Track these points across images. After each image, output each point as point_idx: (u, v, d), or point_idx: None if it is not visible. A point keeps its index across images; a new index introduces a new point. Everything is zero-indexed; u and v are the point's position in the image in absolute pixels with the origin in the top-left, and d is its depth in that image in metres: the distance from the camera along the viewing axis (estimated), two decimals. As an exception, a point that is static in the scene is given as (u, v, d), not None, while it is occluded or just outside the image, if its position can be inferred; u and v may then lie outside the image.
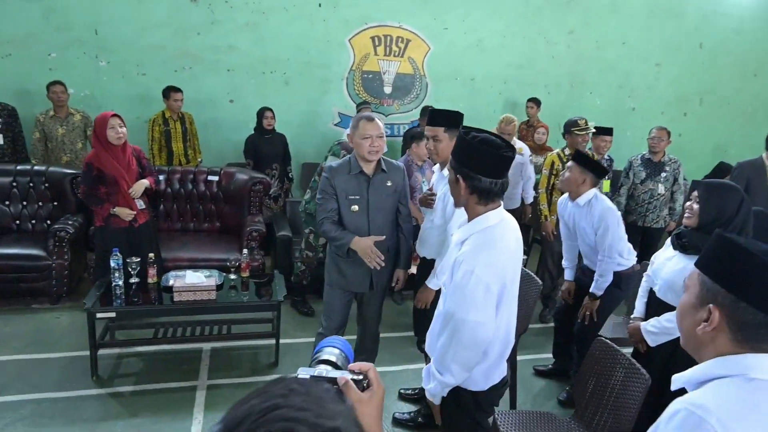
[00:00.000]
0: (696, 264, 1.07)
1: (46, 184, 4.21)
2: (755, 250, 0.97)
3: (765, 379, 0.95)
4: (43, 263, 3.82)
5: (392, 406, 3.01)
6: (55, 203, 4.22)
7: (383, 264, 2.53)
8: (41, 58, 5.07)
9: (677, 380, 1.07)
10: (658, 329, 2.31)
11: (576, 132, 3.94)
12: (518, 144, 4.61)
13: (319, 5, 5.70)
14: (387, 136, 6.61)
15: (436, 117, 2.68)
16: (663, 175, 4.32)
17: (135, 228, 3.48)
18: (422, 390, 2.17)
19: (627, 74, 6.96)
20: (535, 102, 5.86)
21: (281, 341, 3.39)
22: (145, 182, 3.49)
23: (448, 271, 1.79)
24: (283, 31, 5.66)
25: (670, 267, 2.34)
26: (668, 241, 2.45)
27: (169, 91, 4.81)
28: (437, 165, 2.91)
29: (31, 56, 5.04)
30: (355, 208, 2.55)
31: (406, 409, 2.98)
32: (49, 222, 4.16)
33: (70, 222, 3.99)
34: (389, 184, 2.62)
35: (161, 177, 4.48)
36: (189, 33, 5.39)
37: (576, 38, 6.63)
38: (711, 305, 1.00)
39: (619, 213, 3.06)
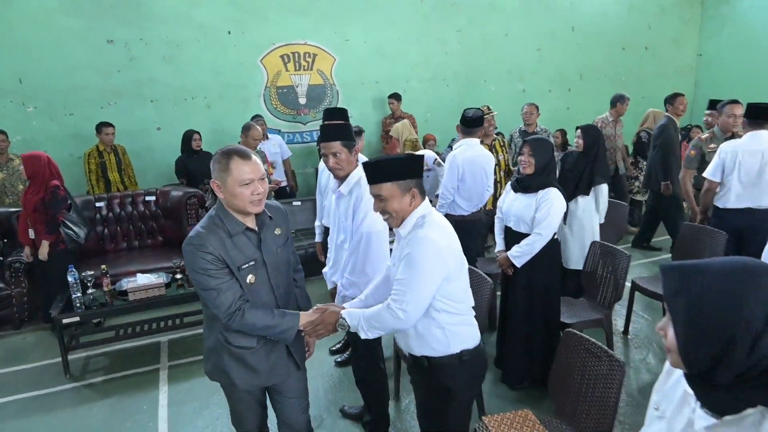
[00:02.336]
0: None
1: (-5, 225, 4.60)
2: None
3: None
4: (2, 293, 4.23)
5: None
6: (5, 240, 4.61)
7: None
8: (-30, 111, 5.41)
9: None
10: (521, 252, 3.06)
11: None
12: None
13: (228, 32, 6.29)
14: (307, 143, 7.24)
15: (329, 131, 2.47)
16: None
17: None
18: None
19: (514, 61, 7.93)
20: (396, 97, 6.63)
21: (229, 325, 3.97)
22: None
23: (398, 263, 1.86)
24: (199, 59, 6.21)
25: (518, 205, 3.12)
26: (508, 187, 3.23)
27: (101, 126, 5.28)
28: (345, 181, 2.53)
29: (-41, 110, 5.38)
30: (251, 279, 1.84)
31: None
32: (1, 257, 4.55)
33: (22, 254, 4.41)
34: (278, 232, 1.96)
35: (102, 204, 4.96)
36: (110, 71, 5.85)
37: (464, 36, 7.52)
38: None
39: None
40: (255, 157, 1.82)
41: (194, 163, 5.63)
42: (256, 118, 5.91)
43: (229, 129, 6.40)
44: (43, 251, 3.98)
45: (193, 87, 6.26)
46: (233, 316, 1.78)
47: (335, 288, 2.66)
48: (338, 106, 6.80)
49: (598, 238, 3.65)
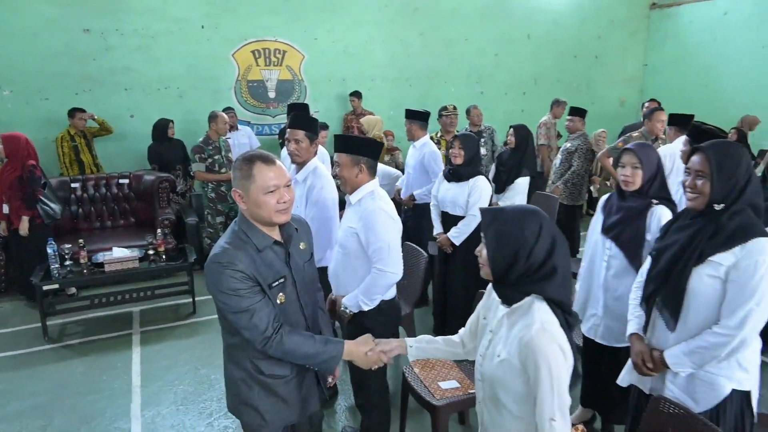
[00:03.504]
0: None
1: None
2: None
3: None
4: (-19, 265, 4.51)
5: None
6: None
7: (390, 360, 1.83)
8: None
9: None
10: (459, 232, 3.55)
11: (444, 114, 5.11)
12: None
13: (202, 27, 6.62)
14: (274, 135, 7.59)
15: (296, 120, 2.88)
16: (482, 140, 5.72)
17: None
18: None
19: (472, 65, 8.47)
20: (357, 95, 7.12)
21: (197, 298, 4.36)
22: None
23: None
24: (173, 51, 6.52)
25: (452, 193, 3.61)
26: (440, 177, 3.72)
27: (74, 111, 5.56)
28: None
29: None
30: (281, 298, 1.69)
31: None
32: (-21, 233, 4.80)
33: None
34: (302, 246, 1.82)
35: (77, 185, 5.25)
36: (86, 59, 6.11)
37: (426, 39, 8.01)
38: None
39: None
40: (279, 162, 1.66)
41: (167, 150, 5.95)
42: (228, 110, 6.25)
43: (200, 119, 6.70)
44: (24, 226, 4.27)
45: (166, 77, 6.56)
46: (270, 341, 1.59)
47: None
48: (305, 101, 7.20)
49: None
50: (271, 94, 7.14)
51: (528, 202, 4.63)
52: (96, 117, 5.84)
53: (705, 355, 1.77)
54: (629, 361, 2.07)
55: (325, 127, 5.46)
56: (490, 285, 1.55)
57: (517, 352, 1.39)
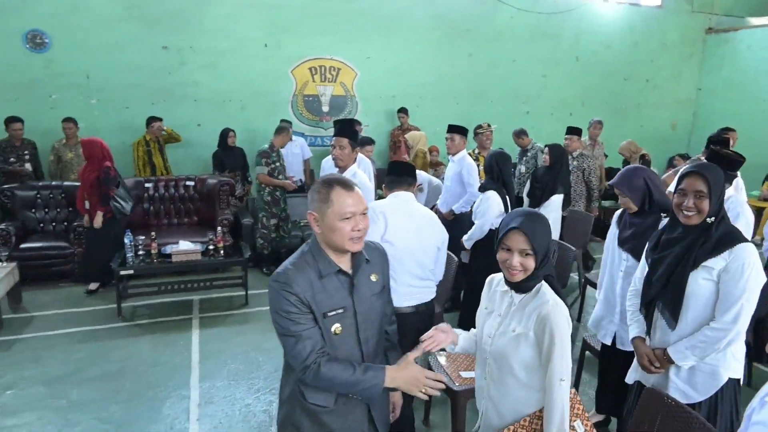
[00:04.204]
0: None
1: (63, 195, 5.53)
2: None
3: None
4: (67, 251, 5.14)
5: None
6: (70, 208, 5.53)
7: (443, 385, 1.68)
8: (43, 100, 6.39)
9: None
10: (468, 237, 3.86)
11: (479, 132, 5.45)
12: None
13: (265, 45, 7.21)
14: (327, 147, 8.06)
15: (342, 129, 3.37)
16: (524, 158, 5.95)
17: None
18: None
19: (519, 85, 8.70)
20: (404, 111, 7.44)
21: (249, 292, 4.81)
22: None
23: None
24: (238, 67, 7.13)
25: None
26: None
27: (151, 120, 6.22)
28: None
29: (34, 98, 6.35)
30: (337, 328, 1.64)
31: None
32: (66, 223, 5.47)
33: (83, 221, 5.31)
34: (374, 278, 1.75)
35: (150, 185, 5.88)
36: (162, 73, 6.80)
37: (474, 60, 8.33)
38: None
39: None
40: (358, 189, 1.64)
41: (228, 157, 6.51)
42: (285, 122, 6.77)
43: (259, 128, 7.30)
44: (98, 220, 4.84)
45: (230, 90, 7.17)
46: (309, 370, 1.57)
47: None
48: (356, 116, 7.65)
49: (556, 238, 4.39)
50: (325, 108, 7.64)
51: (563, 218, 4.84)
52: (166, 128, 6.46)
53: (706, 349, 2.00)
54: (635, 361, 2.29)
55: (371, 141, 5.86)
56: (488, 279, 1.87)
57: (534, 326, 1.67)
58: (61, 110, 6.27)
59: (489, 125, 5.58)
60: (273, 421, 3.10)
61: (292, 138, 6.87)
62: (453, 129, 4.56)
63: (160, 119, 6.30)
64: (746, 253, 1.93)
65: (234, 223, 5.73)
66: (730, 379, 2.06)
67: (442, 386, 1.66)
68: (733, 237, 1.98)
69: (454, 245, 4.35)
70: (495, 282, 1.88)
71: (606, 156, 7.47)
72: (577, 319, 4.49)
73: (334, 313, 1.62)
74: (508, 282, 1.75)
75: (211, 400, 3.29)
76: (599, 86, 9.24)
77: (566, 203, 4.76)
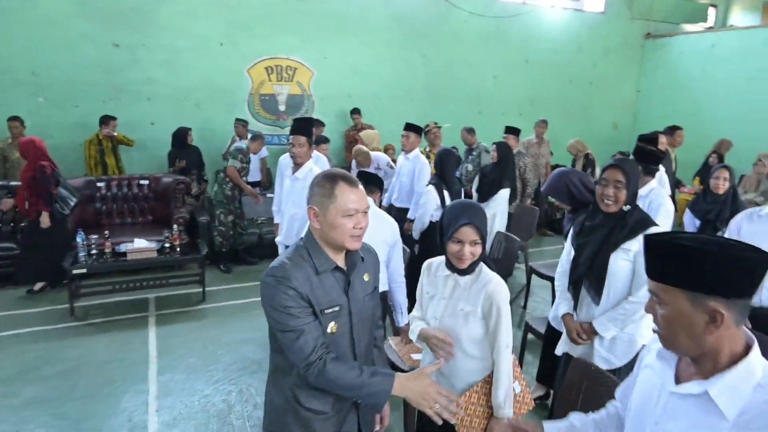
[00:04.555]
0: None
1: (9, 195, 5.38)
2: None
3: None
4: (13, 253, 5.02)
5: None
6: (16, 209, 5.37)
7: (459, 411, 1.66)
8: (-14, 97, 6.19)
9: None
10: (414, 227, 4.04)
11: (427, 131, 5.65)
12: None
13: (221, 44, 7.20)
14: (284, 145, 8.12)
15: (299, 127, 3.58)
16: (470, 156, 6.21)
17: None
18: None
19: (472, 86, 9.01)
20: (357, 112, 7.63)
21: (207, 288, 4.85)
22: None
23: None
24: (193, 65, 7.10)
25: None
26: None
27: (106, 119, 6.14)
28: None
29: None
30: (333, 327, 1.59)
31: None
32: (12, 224, 5.33)
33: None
34: (366, 278, 1.71)
35: (102, 184, 5.79)
36: (114, 71, 6.70)
37: (429, 61, 8.58)
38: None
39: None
40: (361, 186, 1.60)
41: (185, 156, 6.48)
42: (240, 121, 6.80)
43: (215, 127, 7.29)
44: (45, 220, 4.74)
45: (185, 88, 7.13)
46: (313, 366, 1.49)
47: None
48: (314, 115, 7.74)
49: (503, 230, 4.65)
50: (282, 108, 7.70)
51: (509, 212, 5.10)
52: (116, 133, 6.30)
53: (625, 320, 2.31)
54: (564, 335, 2.53)
55: (326, 140, 5.99)
56: (425, 265, 2.06)
57: (481, 303, 1.88)
58: (7, 109, 6.09)
59: (436, 123, 5.82)
60: (231, 409, 3.18)
61: (248, 137, 6.90)
62: (409, 127, 4.76)
63: (115, 118, 6.21)
64: None
65: (190, 221, 5.73)
66: (644, 345, 2.32)
67: (458, 411, 1.53)
68: (646, 222, 2.26)
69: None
70: (434, 267, 2.04)
71: (551, 153, 7.86)
72: (523, 306, 4.75)
73: (330, 310, 1.57)
74: (452, 268, 1.92)
75: (169, 392, 3.34)
76: (547, 88, 9.67)
77: (512, 198, 5.03)
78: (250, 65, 7.44)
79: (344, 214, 1.53)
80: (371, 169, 5.40)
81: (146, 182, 5.97)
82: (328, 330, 1.57)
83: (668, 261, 1.03)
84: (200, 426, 3.03)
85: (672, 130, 5.78)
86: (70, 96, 6.55)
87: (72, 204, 4.93)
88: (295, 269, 1.52)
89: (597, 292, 2.35)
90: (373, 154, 5.66)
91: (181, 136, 6.49)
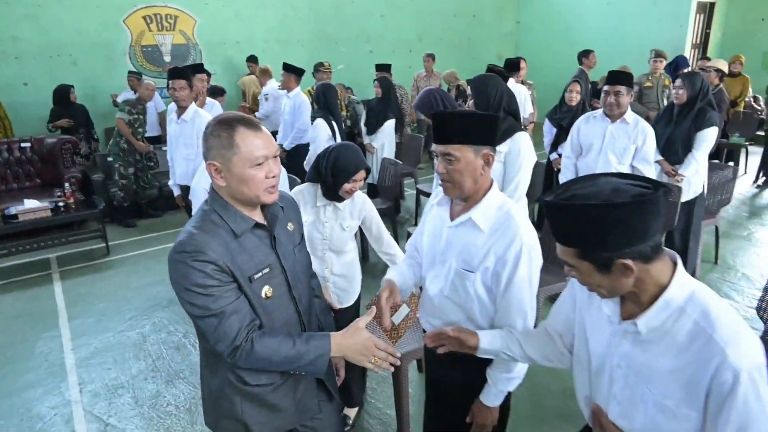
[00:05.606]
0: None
1: None
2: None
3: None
4: None
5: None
6: None
7: (397, 360, 1.45)
8: None
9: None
10: None
11: (322, 70, 5.91)
12: None
13: (90, -6, 6.82)
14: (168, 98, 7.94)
15: (174, 73, 3.68)
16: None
17: None
18: None
19: (361, 26, 9.19)
20: (254, 60, 7.52)
21: (111, 243, 4.92)
22: None
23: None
24: (62, 18, 6.69)
25: None
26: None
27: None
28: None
29: None
30: (268, 291, 1.41)
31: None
32: None
33: None
34: (291, 228, 1.54)
35: (-22, 151, 5.50)
36: (-31, 29, 6.18)
37: (315, 3, 8.61)
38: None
39: None
40: (264, 128, 1.37)
41: (69, 115, 6.23)
42: (134, 74, 6.59)
43: (99, 84, 7.02)
44: None
45: (57, 45, 6.74)
46: (239, 351, 1.31)
47: None
48: (202, 64, 7.61)
49: (392, 157, 5.09)
50: (167, 58, 7.50)
51: (396, 141, 5.54)
52: None
53: None
54: None
55: (223, 91, 6.01)
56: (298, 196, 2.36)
57: (357, 215, 2.30)
58: None
59: (328, 64, 6.07)
60: (146, 339, 3.45)
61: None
62: (288, 68, 4.98)
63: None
64: (523, 140, 2.62)
65: (83, 180, 5.63)
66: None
67: (396, 361, 1.42)
68: (514, 129, 2.65)
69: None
70: (307, 197, 2.33)
71: (440, 86, 8.35)
72: (414, 223, 5.30)
73: (260, 274, 1.37)
74: (335, 198, 2.24)
75: (83, 333, 3.53)
76: (433, 24, 10.07)
77: (399, 127, 5.46)
78: (126, 15, 7.12)
79: (252, 164, 1.30)
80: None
81: (28, 145, 5.73)
82: (262, 295, 1.38)
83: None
84: (117, 356, 3.29)
85: (587, 53, 6.36)
86: None
87: None
88: (208, 238, 1.29)
89: None
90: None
91: (62, 94, 6.20)
